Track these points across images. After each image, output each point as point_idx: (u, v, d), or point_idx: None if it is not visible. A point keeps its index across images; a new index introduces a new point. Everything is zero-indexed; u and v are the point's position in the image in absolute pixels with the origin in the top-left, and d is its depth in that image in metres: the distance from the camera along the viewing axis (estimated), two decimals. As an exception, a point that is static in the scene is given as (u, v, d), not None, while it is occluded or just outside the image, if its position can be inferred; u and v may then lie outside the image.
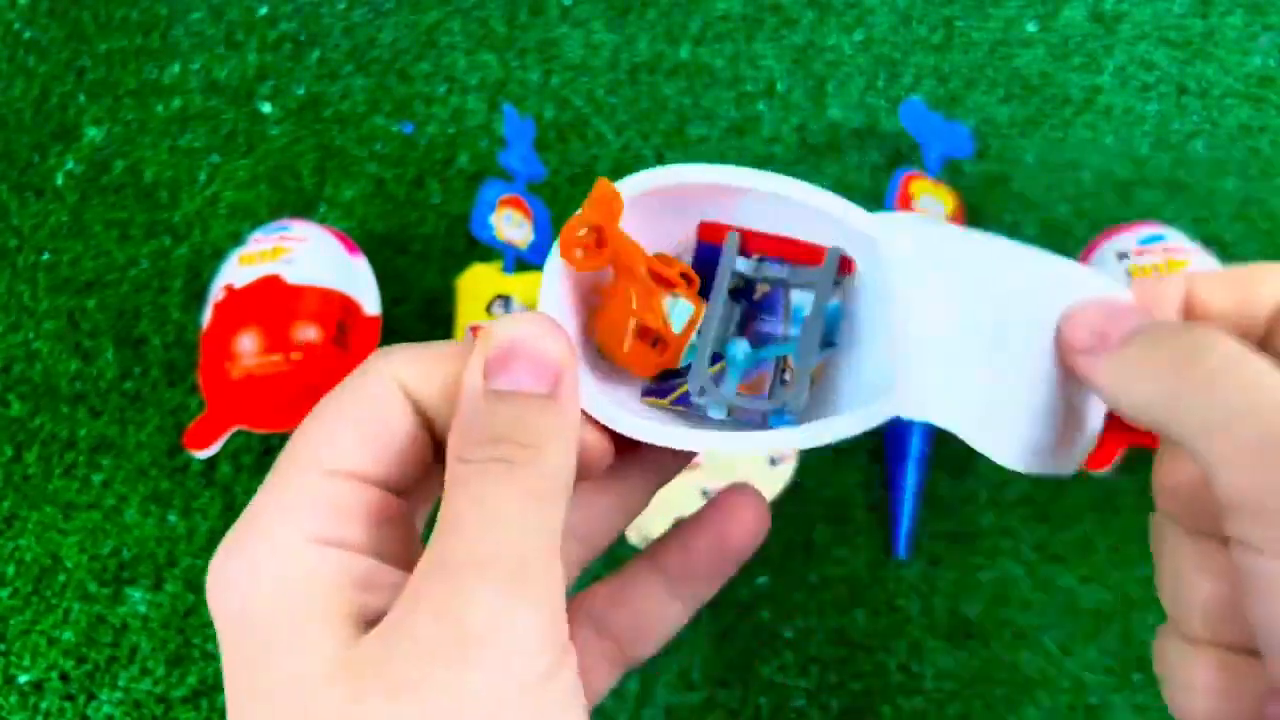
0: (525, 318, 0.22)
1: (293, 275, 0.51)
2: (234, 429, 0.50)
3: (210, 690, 0.49)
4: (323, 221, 0.60)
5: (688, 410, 0.28)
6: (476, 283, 0.54)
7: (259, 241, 0.53)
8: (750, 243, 0.29)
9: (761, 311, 0.29)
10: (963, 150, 0.56)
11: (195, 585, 0.51)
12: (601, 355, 0.29)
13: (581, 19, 0.67)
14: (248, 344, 0.49)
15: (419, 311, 0.57)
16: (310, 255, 0.52)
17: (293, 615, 0.19)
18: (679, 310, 0.28)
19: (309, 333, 0.50)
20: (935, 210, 0.54)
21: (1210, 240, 0.56)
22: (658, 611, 0.27)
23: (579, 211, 0.26)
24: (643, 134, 0.62)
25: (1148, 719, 0.46)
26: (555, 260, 0.27)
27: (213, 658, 0.49)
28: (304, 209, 0.61)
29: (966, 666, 0.47)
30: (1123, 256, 0.49)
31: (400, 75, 0.65)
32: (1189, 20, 0.64)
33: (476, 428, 0.21)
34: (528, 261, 0.55)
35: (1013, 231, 0.57)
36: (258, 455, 0.54)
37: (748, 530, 0.28)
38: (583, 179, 0.61)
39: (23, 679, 0.50)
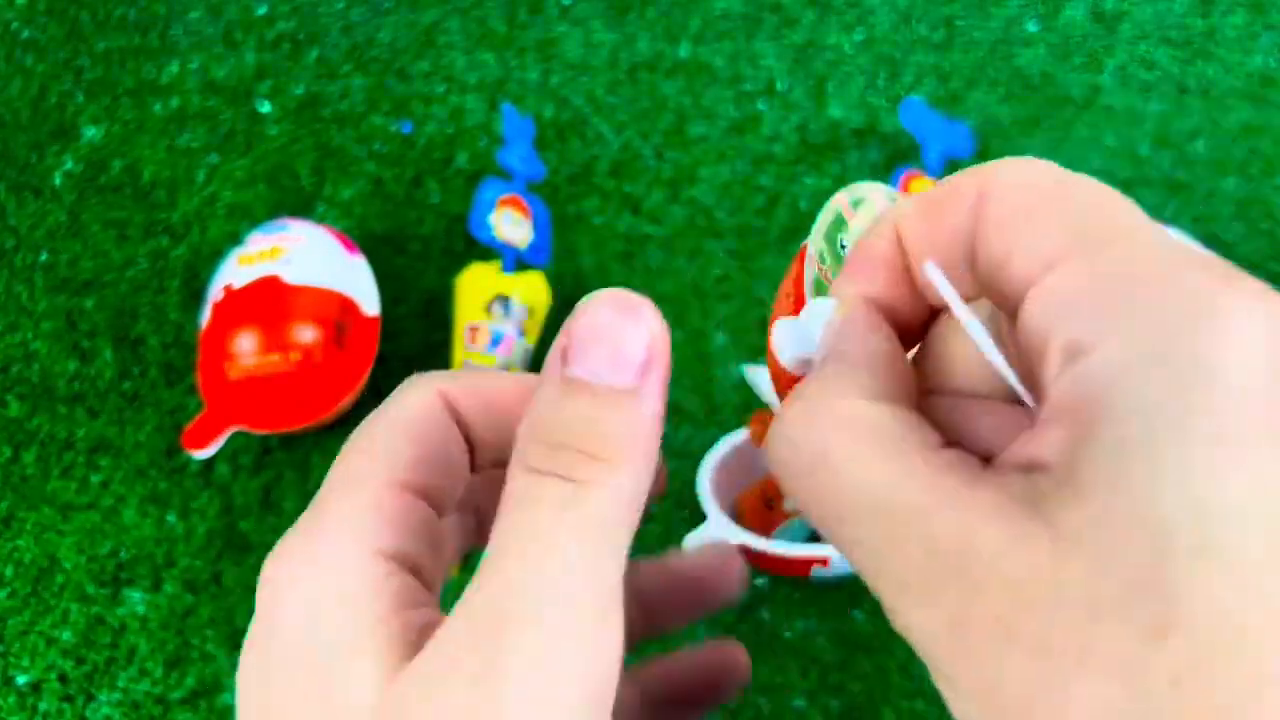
0: (610, 298, 0.19)
1: (291, 275, 0.51)
2: (232, 429, 0.50)
3: (209, 692, 0.49)
4: (321, 221, 0.59)
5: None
6: (475, 282, 0.53)
7: (257, 241, 0.53)
8: None
9: None
10: (963, 149, 0.56)
11: (194, 586, 0.51)
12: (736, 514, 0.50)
13: (581, 18, 0.67)
14: (246, 344, 0.49)
15: (418, 311, 0.57)
16: (309, 255, 0.52)
17: (356, 632, 0.18)
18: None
19: (307, 333, 0.49)
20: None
21: (1211, 239, 0.55)
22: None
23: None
24: (642, 133, 0.62)
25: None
26: (745, 432, 0.50)
27: (211, 659, 0.49)
28: (302, 208, 0.61)
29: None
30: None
31: (399, 74, 0.65)
32: (1190, 19, 0.63)
33: (544, 425, 0.19)
34: (527, 261, 0.55)
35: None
36: (256, 456, 0.54)
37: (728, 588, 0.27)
38: (582, 178, 0.61)
39: (21, 680, 0.50)
